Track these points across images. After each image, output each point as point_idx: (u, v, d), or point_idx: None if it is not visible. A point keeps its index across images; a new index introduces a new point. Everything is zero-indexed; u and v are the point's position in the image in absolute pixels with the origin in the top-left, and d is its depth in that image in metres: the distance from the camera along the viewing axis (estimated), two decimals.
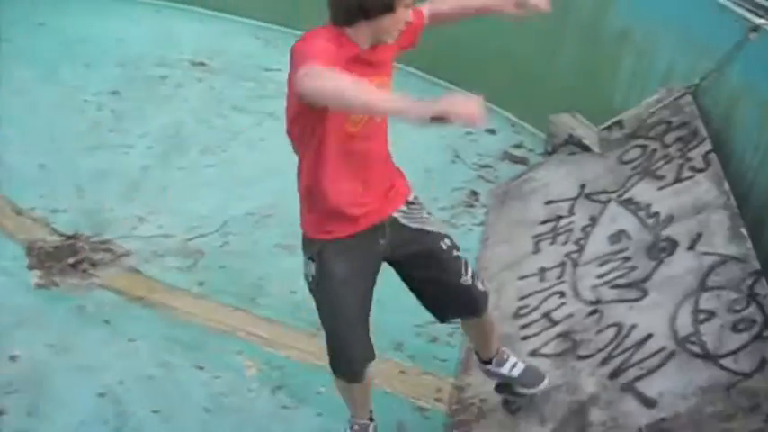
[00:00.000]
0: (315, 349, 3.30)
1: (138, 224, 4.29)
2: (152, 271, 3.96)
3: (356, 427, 2.86)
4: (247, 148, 5.10)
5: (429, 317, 2.83)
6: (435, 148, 5.04)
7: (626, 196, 3.83)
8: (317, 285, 2.61)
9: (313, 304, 2.66)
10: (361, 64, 2.38)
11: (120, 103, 5.30)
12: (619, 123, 4.34)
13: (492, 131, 5.31)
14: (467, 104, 2.07)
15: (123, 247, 4.08)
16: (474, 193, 4.76)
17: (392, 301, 2.94)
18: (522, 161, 5.08)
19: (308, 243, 2.64)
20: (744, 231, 3.20)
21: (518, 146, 5.26)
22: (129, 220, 4.30)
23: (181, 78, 5.71)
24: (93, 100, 5.29)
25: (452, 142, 5.14)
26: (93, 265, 3.93)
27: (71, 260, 3.93)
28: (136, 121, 5.15)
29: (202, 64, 5.95)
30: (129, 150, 4.87)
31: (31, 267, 3.87)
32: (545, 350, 3.24)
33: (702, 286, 3.06)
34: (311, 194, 2.59)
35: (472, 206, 4.65)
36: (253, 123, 5.34)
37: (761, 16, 3.91)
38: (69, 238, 4.09)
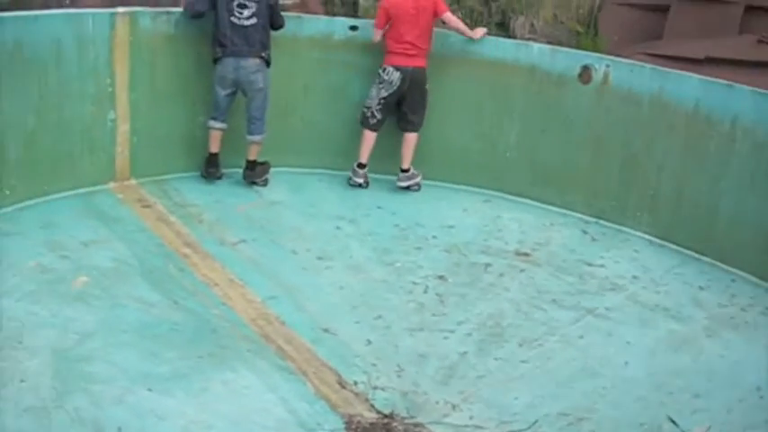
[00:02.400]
0: None
1: (451, 411, 4.33)
2: None
3: None
4: (565, 344, 5.04)
5: None
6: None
7: None
8: None
9: None
10: None
11: (445, 288, 5.50)
12: None
13: None
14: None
15: None
16: None
17: None
18: None
19: None
20: None
21: None
22: (442, 406, 4.36)
23: (504, 268, 5.84)
24: (420, 282, 5.54)
25: None
26: None
27: None
28: (458, 307, 5.30)
29: (526, 254, 6.05)
30: (449, 335, 5.00)
31: None
32: None
33: None
34: None
35: None
36: (572, 319, 5.29)
37: None
38: (386, 416, 4.21)
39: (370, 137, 6.75)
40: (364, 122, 6.76)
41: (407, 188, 6.85)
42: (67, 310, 4.70)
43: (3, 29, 5.38)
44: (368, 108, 6.72)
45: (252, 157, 6.54)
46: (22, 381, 4.06)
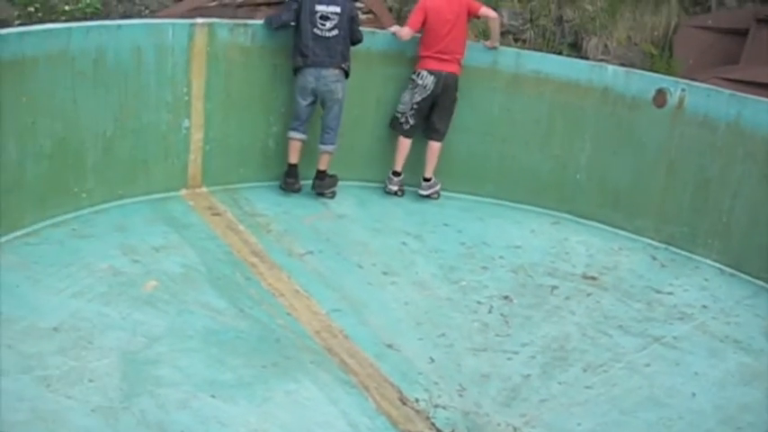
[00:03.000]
0: None
1: None
2: None
3: None
4: (630, 371, 4.95)
5: None
6: None
7: None
8: None
9: None
10: None
11: (510, 309, 5.46)
12: None
13: None
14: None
15: None
16: None
17: None
18: None
19: None
20: None
21: None
22: (503, 428, 4.33)
23: (570, 291, 5.77)
24: (485, 302, 5.51)
25: None
26: None
27: None
28: (522, 329, 5.26)
29: (593, 278, 5.98)
30: (513, 356, 4.96)
31: None
32: None
33: None
34: None
35: None
36: (638, 347, 5.20)
37: None
38: None
39: (404, 144, 6.77)
40: (398, 128, 6.77)
41: (428, 197, 6.86)
42: (137, 313, 4.80)
43: (87, 37, 5.53)
44: (401, 113, 6.72)
45: (323, 167, 6.59)
46: (90, 381, 4.16)
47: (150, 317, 4.79)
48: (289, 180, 6.55)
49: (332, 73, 6.31)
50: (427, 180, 6.87)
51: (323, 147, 6.55)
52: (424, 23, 6.58)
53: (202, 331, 4.75)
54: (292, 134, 6.48)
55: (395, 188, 6.82)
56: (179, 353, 4.52)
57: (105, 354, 4.39)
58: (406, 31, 6.63)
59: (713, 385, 4.92)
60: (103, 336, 4.53)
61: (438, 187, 6.91)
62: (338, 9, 6.30)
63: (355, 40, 6.47)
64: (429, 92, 6.61)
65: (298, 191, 6.59)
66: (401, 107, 6.72)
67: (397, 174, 6.81)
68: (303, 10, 6.27)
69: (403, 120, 6.73)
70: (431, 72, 6.59)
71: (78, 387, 4.10)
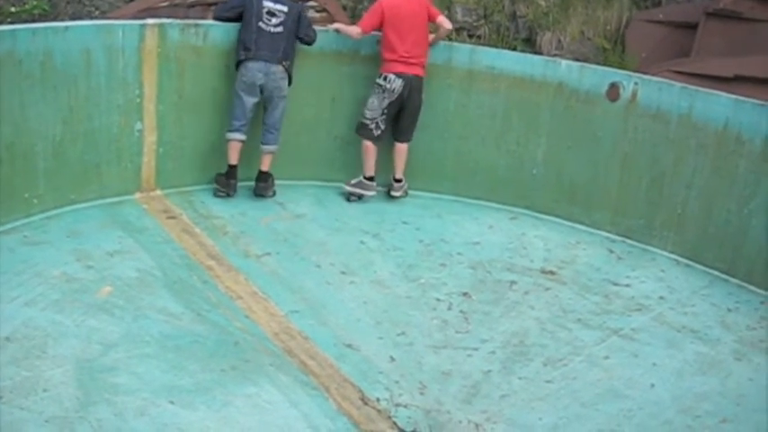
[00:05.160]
0: None
1: (475, 430, 4.30)
2: None
3: None
4: (589, 364, 4.98)
5: None
6: None
7: None
8: None
9: None
10: None
11: (469, 305, 5.47)
12: None
13: None
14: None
15: None
16: None
17: None
18: None
19: None
20: None
21: None
22: (465, 426, 4.33)
23: (529, 285, 5.79)
24: (444, 299, 5.50)
25: None
26: None
27: None
28: (482, 325, 5.26)
29: (551, 273, 6.00)
30: (473, 353, 4.96)
31: None
32: None
33: None
34: None
35: None
36: (597, 339, 5.24)
37: None
38: None
39: (373, 149, 6.68)
40: (367, 135, 6.65)
41: (400, 197, 6.87)
42: (92, 320, 4.71)
43: (34, 39, 5.42)
44: (371, 120, 6.60)
45: (265, 168, 6.51)
46: (45, 390, 4.07)
47: (105, 323, 4.70)
48: (231, 181, 6.42)
49: (278, 69, 6.25)
50: (398, 181, 6.85)
51: (266, 147, 6.47)
52: (380, 26, 6.51)
53: (159, 337, 4.68)
54: (234, 135, 6.34)
55: (372, 192, 6.77)
56: (136, 359, 4.45)
57: (60, 362, 4.30)
58: (355, 31, 6.58)
59: (671, 375, 4.97)
60: (57, 344, 4.44)
61: (407, 185, 6.93)
62: (285, 8, 6.28)
63: (306, 40, 6.43)
64: (397, 95, 6.53)
65: (234, 193, 6.47)
66: (369, 113, 6.61)
67: (371, 179, 6.75)
68: (251, 4, 6.23)
69: (373, 126, 6.63)
70: (398, 75, 6.50)
71: (32, 397, 4.01)
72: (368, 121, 6.64)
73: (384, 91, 6.55)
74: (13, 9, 8.83)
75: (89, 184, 5.97)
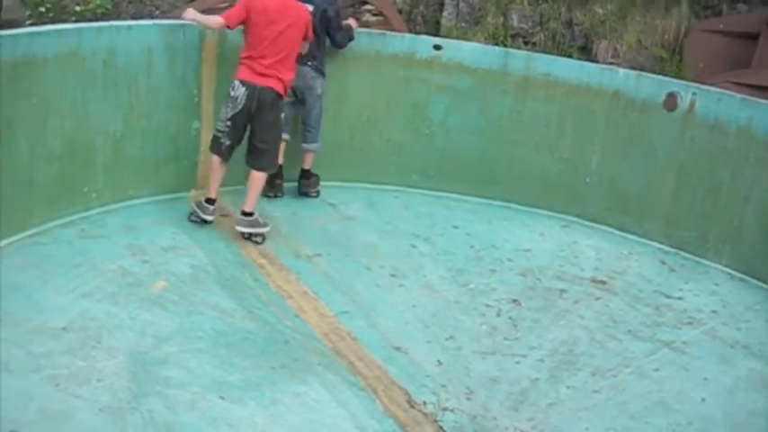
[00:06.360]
0: None
1: None
2: None
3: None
4: (639, 376, 4.93)
5: None
6: None
7: None
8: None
9: None
10: None
11: (519, 312, 5.45)
12: None
13: None
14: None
15: None
16: None
17: None
18: None
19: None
20: None
21: None
22: None
23: (579, 294, 5.75)
24: (494, 305, 5.49)
25: None
26: None
27: None
28: (531, 332, 5.24)
29: (602, 282, 5.95)
30: (521, 360, 4.94)
31: None
32: None
33: None
34: None
35: None
36: (647, 352, 5.18)
37: None
38: None
39: (219, 166, 5.79)
40: (214, 148, 5.77)
41: (249, 237, 5.78)
42: (146, 313, 4.80)
43: (99, 38, 5.55)
44: (221, 132, 5.72)
45: (307, 166, 6.58)
46: (98, 380, 4.16)
47: (159, 317, 4.79)
48: (277, 181, 6.47)
49: (306, 69, 6.25)
50: (247, 214, 5.79)
51: (306, 146, 6.52)
52: (245, 21, 5.66)
53: (211, 332, 4.75)
54: None
55: (210, 217, 5.84)
56: (188, 353, 4.52)
57: (114, 354, 4.39)
58: (216, 21, 5.74)
59: (723, 391, 4.90)
60: (112, 336, 4.54)
61: (262, 229, 5.81)
62: (310, 7, 6.17)
63: (335, 40, 6.40)
64: (241, 106, 5.63)
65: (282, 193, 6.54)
66: (219, 124, 5.77)
67: (211, 201, 5.84)
68: None
69: (223, 138, 5.71)
70: (243, 83, 5.65)
71: (86, 387, 4.10)
72: (219, 134, 5.76)
73: (228, 99, 5.71)
74: (77, 8, 9.03)
75: (146, 181, 6.08)
